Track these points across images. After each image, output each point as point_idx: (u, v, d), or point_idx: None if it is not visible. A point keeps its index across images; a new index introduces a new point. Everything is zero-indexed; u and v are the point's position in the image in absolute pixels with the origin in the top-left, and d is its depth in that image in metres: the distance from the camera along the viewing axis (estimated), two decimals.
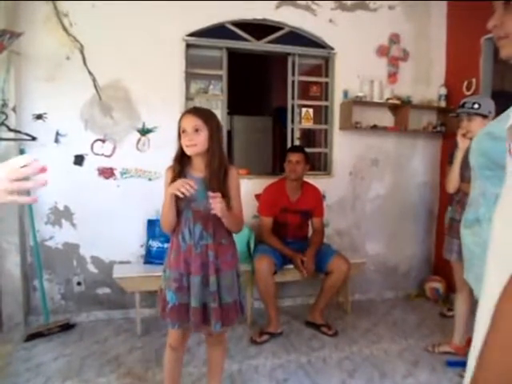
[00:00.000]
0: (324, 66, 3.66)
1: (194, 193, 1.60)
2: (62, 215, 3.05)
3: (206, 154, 1.69)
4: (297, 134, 3.65)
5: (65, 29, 2.91)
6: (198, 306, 1.69)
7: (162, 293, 1.78)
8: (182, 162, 1.72)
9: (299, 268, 2.88)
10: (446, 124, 3.62)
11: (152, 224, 3.10)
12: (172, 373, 1.89)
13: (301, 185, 3.07)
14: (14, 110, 2.78)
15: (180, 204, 1.70)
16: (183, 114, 1.72)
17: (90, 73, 2.96)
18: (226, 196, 1.67)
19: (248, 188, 3.22)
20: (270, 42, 3.41)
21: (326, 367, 2.48)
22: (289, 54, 3.51)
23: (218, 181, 1.67)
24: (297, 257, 2.88)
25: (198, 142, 1.65)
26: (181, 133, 1.68)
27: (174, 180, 1.67)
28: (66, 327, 2.91)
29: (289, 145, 3.54)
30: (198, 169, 1.72)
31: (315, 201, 3.10)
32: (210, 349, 1.96)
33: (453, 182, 2.45)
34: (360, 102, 3.44)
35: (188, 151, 1.67)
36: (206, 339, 1.95)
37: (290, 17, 3.38)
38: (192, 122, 1.65)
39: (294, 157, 2.98)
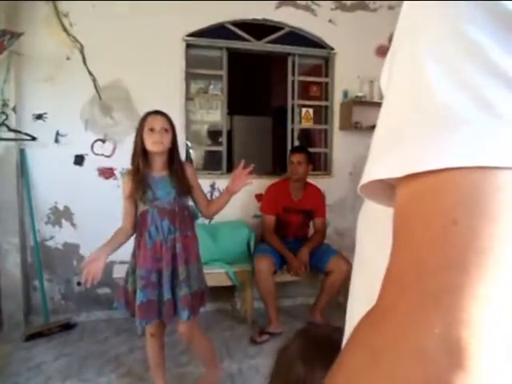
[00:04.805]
0: (324, 66, 3.66)
1: (158, 191, 1.77)
2: (62, 215, 3.05)
3: (166, 154, 1.82)
4: (296, 134, 3.64)
5: (65, 29, 2.91)
6: (170, 297, 1.77)
7: (126, 290, 1.86)
8: (140, 162, 1.81)
9: (295, 270, 2.88)
10: None
11: None
12: (157, 359, 1.99)
13: (304, 185, 3.08)
14: (14, 109, 2.78)
15: (143, 204, 1.80)
16: (149, 115, 1.82)
17: (90, 73, 2.96)
18: (189, 189, 1.85)
19: (248, 188, 3.21)
20: (270, 42, 3.41)
21: None
22: (289, 54, 3.51)
23: (179, 177, 1.82)
24: (293, 259, 2.88)
25: (165, 141, 1.78)
26: (145, 131, 1.78)
27: (137, 186, 1.77)
28: (66, 327, 2.91)
29: (289, 145, 3.55)
30: (158, 168, 1.82)
31: (318, 201, 3.11)
32: (191, 346, 2.10)
33: None
34: (360, 102, 3.44)
35: (154, 148, 1.77)
36: (183, 335, 1.97)
37: (290, 17, 3.37)
38: (161, 122, 1.79)
39: (295, 157, 2.98)
